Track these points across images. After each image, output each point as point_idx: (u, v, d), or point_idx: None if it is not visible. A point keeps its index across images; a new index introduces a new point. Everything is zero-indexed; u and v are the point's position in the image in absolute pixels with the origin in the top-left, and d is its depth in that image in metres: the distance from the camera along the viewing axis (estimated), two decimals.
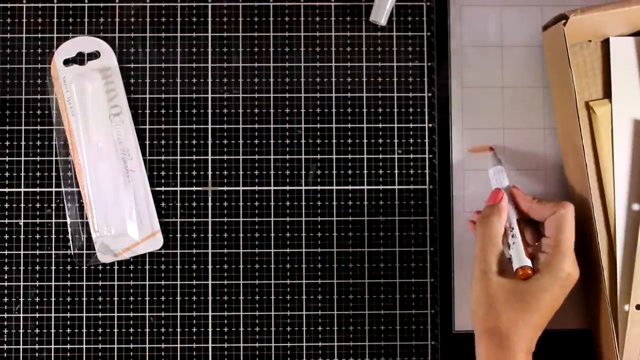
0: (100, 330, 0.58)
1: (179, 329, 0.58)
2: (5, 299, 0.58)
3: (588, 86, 0.57)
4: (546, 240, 0.51)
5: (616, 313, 0.53)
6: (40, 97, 0.59)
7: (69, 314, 0.58)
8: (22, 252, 0.58)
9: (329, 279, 0.58)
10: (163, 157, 0.59)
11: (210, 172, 0.59)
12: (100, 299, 0.58)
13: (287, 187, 0.59)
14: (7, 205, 0.58)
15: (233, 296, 0.58)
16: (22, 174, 0.58)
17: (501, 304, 0.48)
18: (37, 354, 0.58)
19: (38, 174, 0.58)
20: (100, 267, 0.58)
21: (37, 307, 0.58)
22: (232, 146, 0.59)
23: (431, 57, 0.59)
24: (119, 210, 0.58)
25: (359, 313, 0.58)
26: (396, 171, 0.59)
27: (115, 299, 0.58)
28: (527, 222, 0.53)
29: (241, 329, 0.58)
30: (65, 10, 0.59)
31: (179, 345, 0.58)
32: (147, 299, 0.58)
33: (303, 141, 0.59)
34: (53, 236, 0.58)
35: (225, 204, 0.59)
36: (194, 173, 0.59)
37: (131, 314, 0.58)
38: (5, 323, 0.58)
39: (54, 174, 0.59)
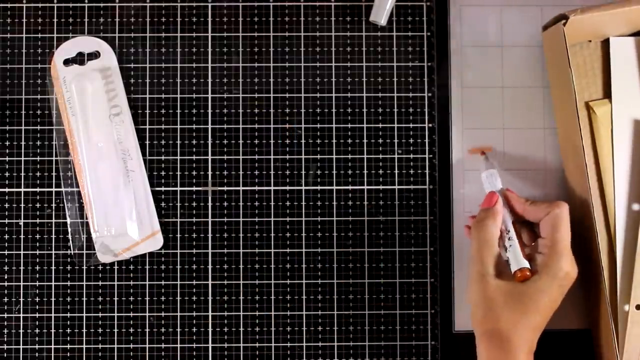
0: (100, 330, 0.58)
1: (179, 329, 0.58)
2: (5, 299, 0.58)
3: (588, 86, 0.57)
4: (542, 241, 0.51)
5: (616, 313, 0.53)
6: (40, 97, 0.59)
7: (69, 314, 0.58)
8: (22, 252, 0.58)
9: (329, 279, 0.58)
10: (163, 157, 0.59)
11: (210, 172, 0.59)
12: (100, 299, 0.58)
13: (287, 187, 0.59)
14: (7, 205, 0.58)
15: (233, 296, 0.58)
16: (22, 174, 0.58)
17: (500, 306, 0.48)
18: (37, 354, 0.58)
19: (38, 174, 0.58)
20: (100, 267, 0.58)
21: (37, 307, 0.58)
22: (232, 146, 0.59)
23: (431, 57, 0.59)
24: (119, 210, 0.58)
25: (359, 313, 0.58)
26: (396, 171, 0.59)
27: (115, 299, 0.58)
28: (523, 223, 0.53)
29: (241, 329, 0.58)
30: (65, 10, 0.59)
31: (179, 345, 0.58)
32: (147, 299, 0.58)
33: (303, 141, 0.59)
34: (53, 236, 0.58)
35: (225, 204, 0.59)
36: (194, 173, 0.59)
37: (131, 314, 0.58)
38: (5, 323, 0.58)
39: (54, 174, 0.59)
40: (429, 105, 0.59)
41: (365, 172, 0.59)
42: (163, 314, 0.58)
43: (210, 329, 0.58)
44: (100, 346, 0.58)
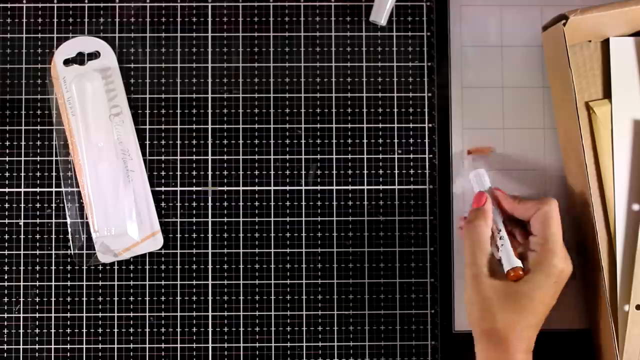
0: (100, 330, 0.58)
1: (179, 329, 0.58)
2: (5, 299, 0.58)
3: (588, 86, 0.57)
4: (534, 239, 0.51)
5: (616, 313, 0.53)
6: (40, 97, 0.59)
7: (69, 314, 0.58)
8: (22, 252, 0.58)
9: (329, 279, 0.58)
10: (163, 157, 0.59)
11: (210, 172, 0.59)
12: (100, 299, 0.58)
13: (287, 187, 0.59)
14: (7, 205, 0.58)
15: (233, 296, 0.58)
16: (22, 174, 0.58)
17: (496, 306, 0.48)
18: (37, 354, 0.58)
19: (38, 174, 0.58)
20: (100, 267, 0.58)
21: (37, 307, 0.58)
22: (232, 146, 0.59)
23: (431, 57, 0.59)
24: (119, 210, 0.58)
25: (359, 313, 0.58)
26: (396, 171, 0.59)
27: (115, 299, 0.58)
28: (514, 221, 0.53)
29: (241, 329, 0.58)
30: (65, 10, 0.59)
31: (179, 345, 0.58)
32: (147, 299, 0.58)
33: (303, 141, 0.59)
34: (53, 236, 0.58)
35: (225, 204, 0.59)
36: (194, 173, 0.59)
37: (131, 314, 0.58)
38: (5, 323, 0.58)
39: (54, 174, 0.59)
40: (429, 105, 0.59)
41: (365, 172, 0.59)
42: (163, 314, 0.58)
43: (210, 329, 0.58)
44: (100, 346, 0.58)
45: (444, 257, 0.58)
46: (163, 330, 0.58)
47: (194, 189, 0.59)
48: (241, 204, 0.59)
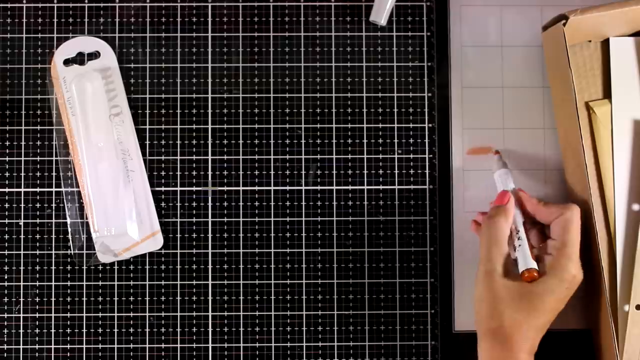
0: (100, 330, 0.58)
1: (179, 329, 0.58)
2: (5, 299, 0.58)
3: (588, 86, 0.57)
4: (552, 242, 0.51)
5: (616, 313, 0.53)
6: (40, 97, 0.59)
7: (69, 314, 0.58)
8: (22, 252, 0.58)
9: (329, 279, 0.58)
10: (163, 157, 0.59)
11: (210, 172, 0.59)
12: (100, 299, 0.58)
13: (287, 187, 0.59)
14: (7, 205, 0.58)
15: (233, 296, 0.58)
16: (22, 174, 0.58)
17: (505, 305, 0.48)
18: (37, 354, 0.58)
19: (38, 174, 0.58)
20: (100, 267, 0.58)
21: (37, 307, 0.58)
22: (232, 146, 0.59)
23: (431, 57, 0.59)
24: (119, 210, 0.58)
25: (359, 313, 0.58)
26: (396, 171, 0.59)
27: (115, 299, 0.58)
28: (532, 224, 0.53)
29: (241, 329, 0.58)
30: (65, 10, 0.59)
31: (179, 345, 0.58)
32: (147, 299, 0.58)
33: (303, 141, 0.59)
34: (53, 236, 0.58)
35: (225, 204, 0.59)
36: (194, 173, 0.59)
37: (131, 314, 0.58)
38: (5, 323, 0.58)
39: (54, 174, 0.59)
40: (429, 105, 0.59)
41: (365, 172, 0.59)
42: (163, 314, 0.58)
43: (210, 329, 0.58)
44: (100, 346, 0.58)
45: (444, 257, 0.58)
46: (163, 330, 0.58)
47: (194, 189, 0.59)
48: (241, 204, 0.59)
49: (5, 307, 0.58)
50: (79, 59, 0.59)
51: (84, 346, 0.58)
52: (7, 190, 0.58)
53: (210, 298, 0.58)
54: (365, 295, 0.58)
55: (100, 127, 0.58)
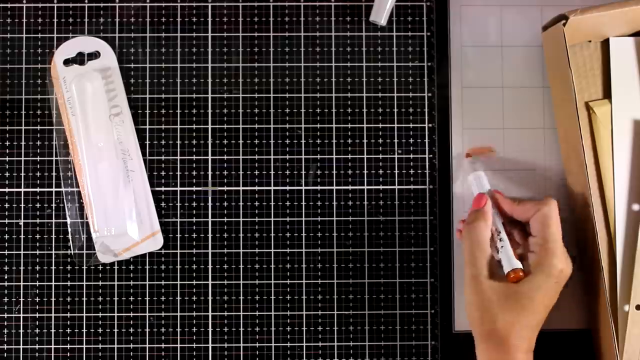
0: (100, 330, 0.58)
1: (179, 329, 0.58)
2: (5, 299, 0.58)
3: (588, 86, 0.57)
4: (533, 239, 0.51)
5: (616, 313, 0.53)
6: (40, 97, 0.59)
7: (69, 314, 0.58)
8: (22, 252, 0.58)
9: (329, 279, 0.58)
10: (163, 157, 0.59)
11: (210, 172, 0.59)
12: (100, 299, 0.58)
13: (287, 187, 0.59)
14: (7, 205, 0.58)
15: (233, 296, 0.58)
16: (22, 174, 0.58)
17: (496, 307, 0.49)
18: (37, 354, 0.58)
19: (38, 174, 0.58)
20: (100, 267, 0.58)
21: (37, 307, 0.58)
22: (232, 146, 0.59)
23: (431, 57, 0.59)
24: (119, 210, 0.58)
25: (359, 313, 0.58)
26: (396, 171, 0.59)
27: (115, 299, 0.58)
28: (513, 223, 0.53)
29: (241, 329, 0.58)
30: (65, 10, 0.59)
31: (179, 345, 0.58)
32: (147, 299, 0.58)
33: (303, 141, 0.59)
34: (53, 236, 0.58)
35: (225, 204, 0.59)
36: (194, 173, 0.59)
37: (131, 314, 0.58)
38: (5, 323, 0.58)
39: (54, 174, 0.59)
40: (429, 105, 0.59)
41: (365, 172, 0.59)
42: (163, 314, 0.58)
43: (210, 329, 0.58)
44: (100, 346, 0.58)
45: (444, 257, 0.58)
46: (163, 330, 0.58)
47: (194, 189, 0.59)
48: (241, 204, 0.59)
49: (5, 307, 0.58)
50: (79, 59, 0.59)
51: (84, 346, 0.58)
52: (7, 190, 0.58)
53: (210, 298, 0.58)
54: (365, 295, 0.58)
55: (100, 127, 0.58)
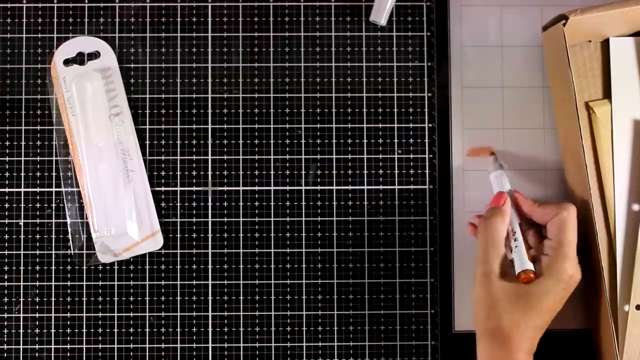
0: (100, 330, 0.58)
1: (179, 329, 0.58)
2: (5, 299, 0.58)
3: (588, 86, 0.57)
4: (548, 242, 0.51)
5: (616, 313, 0.53)
6: (40, 97, 0.59)
7: (69, 314, 0.58)
8: (22, 252, 0.58)
9: (329, 279, 0.58)
10: (163, 157, 0.59)
11: (210, 172, 0.59)
12: (100, 299, 0.58)
13: (287, 187, 0.59)
14: (7, 205, 0.58)
15: (233, 296, 0.58)
16: (22, 174, 0.58)
17: (503, 306, 0.49)
18: (37, 354, 0.58)
19: (38, 174, 0.58)
20: (100, 267, 0.58)
21: (37, 307, 0.58)
22: (232, 146, 0.59)
23: (431, 57, 0.59)
24: (119, 210, 0.58)
25: (359, 313, 0.58)
26: (396, 171, 0.59)
27: (115, 299, 0.58)
28: (529, 225, 0.53)
29: (241, 329, 0.58)
30: (65, 10, 0.59)
31: (179, 345, 0.58)
32: (147, 299, 0.58)
33: (303, 141, 0.59)
34: (53, 236, 0.58)
35: (225, 204, 0.59)
36: (194, 173, 0.59)
37: (131, 314, 0.58)
38: (5, 323, 0.58)
39: (54, 174, 0.59)
40: (429, 105, 0.59)
41: (365, 172, 0.59)
42: (163, 314, 0.58)
43: (210, 329, 0.58)
44: (100, 346, 0.58)
45: (444, 257, 0.58)
46: (163, 330, 0.58)
47: (194, 189, 0.59)
48: (241, 204, 0.59)
49: (5, 307, 0.58)
50: (79, 59, 0.59)
51: (84, 346, 0.58)
52: (7, 190, 0.58)
53: (210, 298, 0.58)
54: (365, 295, 0.58)
55: (100, 127, 0.58)
